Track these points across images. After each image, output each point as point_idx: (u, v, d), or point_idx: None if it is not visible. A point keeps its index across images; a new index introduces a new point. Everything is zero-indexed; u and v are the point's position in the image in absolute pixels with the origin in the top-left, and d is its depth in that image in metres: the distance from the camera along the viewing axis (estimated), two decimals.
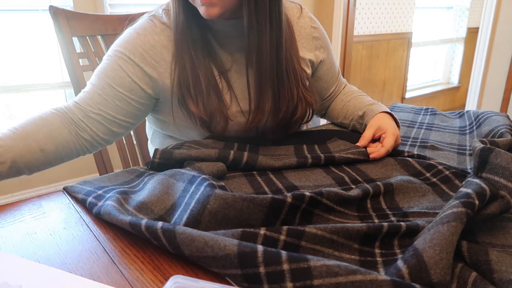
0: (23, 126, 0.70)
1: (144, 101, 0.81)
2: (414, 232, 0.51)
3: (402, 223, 0.52)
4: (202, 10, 0.72)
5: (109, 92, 0.77)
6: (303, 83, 0.86)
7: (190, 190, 0.57)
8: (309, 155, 0.75)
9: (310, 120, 0.92)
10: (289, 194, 0.54)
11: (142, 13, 0.87)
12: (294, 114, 0.85)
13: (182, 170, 0.62)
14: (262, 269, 0.42)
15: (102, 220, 0.57)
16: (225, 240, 0.44)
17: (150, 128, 1.01)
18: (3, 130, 0.69)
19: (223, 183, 0.59)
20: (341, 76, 1.05)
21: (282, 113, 0.83)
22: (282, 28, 0.77)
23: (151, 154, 1.04)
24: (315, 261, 0.41)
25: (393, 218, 0.57)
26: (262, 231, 0.48)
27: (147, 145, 1.12)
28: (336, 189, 0.59)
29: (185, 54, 0.78)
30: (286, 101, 0.83)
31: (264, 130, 0.89)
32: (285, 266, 0.41)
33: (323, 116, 1.08)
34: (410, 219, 0.56)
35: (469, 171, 0.72)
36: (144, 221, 0.49)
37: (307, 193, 0.55)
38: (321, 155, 0.75)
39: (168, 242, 0.47)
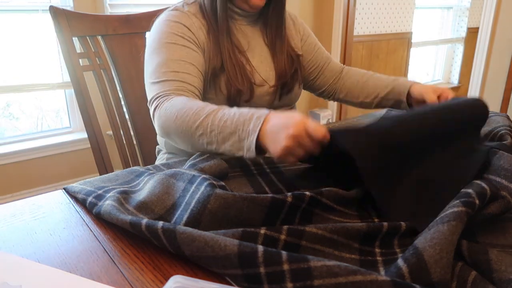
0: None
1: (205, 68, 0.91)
2: (414, 231, 0.51)
3: (402, 223, 0.52)
4: (250, 2, 0.88)
5: (192, 69, 0.84)
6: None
7: (191, 189, 0.57)
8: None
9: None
10: (289, 194, 0.54)
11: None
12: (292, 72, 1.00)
13: (182, 170, 0.62)
14: (262, 269, 0.42)
15: (102, 220, 0.57)
16: (226, 240, 0.44)
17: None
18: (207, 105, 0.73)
19: (223, 183, 0.59)
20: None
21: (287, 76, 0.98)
22: None
23: (161, 145, 1.04)
24: (315, 261, 0.41)
25: (394, 222, 0.57)
26: (263, 230, 0.48)
27: (147, 145, 1.12)
28: (336, 189, 0.58)
29: (215, 36, 0.90)
30: (289, 67, 1.00)
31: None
32: (285, 267, 0.41)
33: (334, 98, 1.14)
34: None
35: None
36: (144, 221, 0.49)
37: (307, 193, 0.55)
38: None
39: (169, 242, 0.47)
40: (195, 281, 0.39)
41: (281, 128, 0.61)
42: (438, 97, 0.91)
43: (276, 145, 0.62)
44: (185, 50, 0.86)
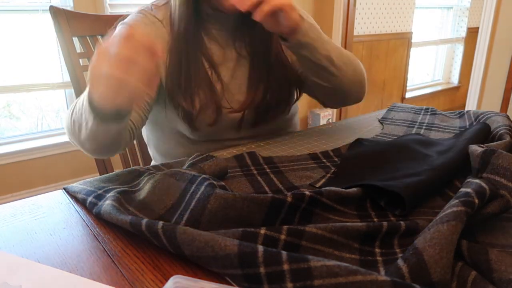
0: None
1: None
2: (413, 231, 0.52)
3: (402, 222, 0.52)
4: (226, 3, 0.75)
5: None
6: (291, 67, 0.89)
7: (191, 189, 0.57)
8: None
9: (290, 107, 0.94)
10: (289, 194, 0.54)
11: (123, 15, 0.90)
12: (280, 99, 0.88)
13: (183, 170, 0.62)
14: (262, 269, 0.42)
15: (102, 220, 0.57)
16: (226, 240, 0.44)
17: (145, 131, 1.01)
18: None
19: (223, 183, 0.59)
20: None
21: (269, 100, 0.86)
22: None
23: (153, 158, 1.04)
24: (315, 261, 0.41)
25: (392, 218, 0.57)
26: (263, 230, 0.48)
27: (147, 145, 1.12)
28: (335, 188, 0.59)
29: (181, 47, 0.80)
30: (277, 86, 0.86)
31: (246, 121, 0.89)
32: (286, 267, 0.41)
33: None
34: (410, 218, 0.56)
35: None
36: (144, 221, 0.49)
37: (307, 192, 0.55)
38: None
39: (169, 242, 0.47)
40: (195, 281, 0.39)
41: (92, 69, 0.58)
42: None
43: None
44: None
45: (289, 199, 0.54)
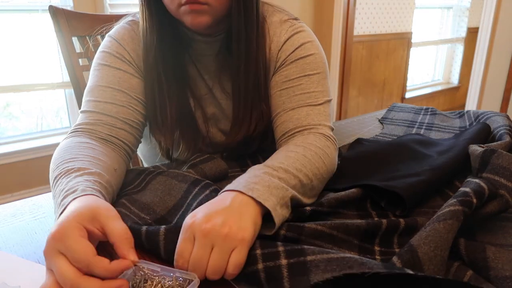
0: (98, 158, 0.60)
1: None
2: (413, 229, 0.52)
3: (401, 219, 0.52)
4: (188, 19, 0.65)
5: (122, 98, 0.70)
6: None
7: (193, 191, 0.57)
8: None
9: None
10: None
11: (123, 15, 0.81)
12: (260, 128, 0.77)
13: (185, 172, 0.63)
14: (258, 251, 0.44)
15: None
16: None
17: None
18: (88, 164, 0.58)
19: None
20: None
21: (254, 128, 0.75)
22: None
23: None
24: (309, 245, 0.44)
25: (393, 218, 0.57)
26: None
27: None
28: (335, 194, 0.59)
29: (154, 76, 0.71)
30: (259, 115, 0.75)
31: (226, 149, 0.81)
32: (281, 248, 0.44)
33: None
34: (410, 218, 0.56)
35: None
36: (144, 229, 0.49)
37: (308, 208, 0.55)
38: None
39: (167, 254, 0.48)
40: (156, 266, 0.43)
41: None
42: None
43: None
44: (118, 74, 0.71)
45: (289, 217, 0.53)
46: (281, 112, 0.73)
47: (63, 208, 0.47)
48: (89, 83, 0.72)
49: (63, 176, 0.54)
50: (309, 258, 0.41)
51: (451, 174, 0.67)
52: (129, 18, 0.77)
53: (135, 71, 0.73)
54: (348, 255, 0.41)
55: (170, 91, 0.72)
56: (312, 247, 0.43)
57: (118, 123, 0.69)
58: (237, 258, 0.43)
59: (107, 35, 0.76)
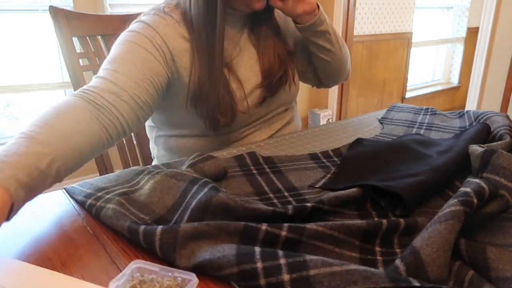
0: (56, 122, 0.60)
1: (165, 85, 0.81)
2: (413, 229, 0.52)
3: (401, 219, 0.52)
4: (257, 5, 0.81)
5: (139, 76, 0.73)
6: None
7: (192, 190, 0.57)
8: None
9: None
10: (290, 207, 0.54)
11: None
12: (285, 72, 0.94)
13: (184, 172, 0.62)
14: (259, 265, 0.43)
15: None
16: (224, 245, 0.45)
17: (152, 129, 1.01)
18: (36, 127, 0.58)
19: (223, 190, 0.60)
20: None
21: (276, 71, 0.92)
22: None
23: (154, 155, 1.04)
24: (311, 257, 0.42)
25: (393, 218, 0.57)
26: (264, 226, 0.49)
27: (147, 145, 1.12)
28: (336, 193, 0.59)
29: (206, 50, 0.80)
30: (279, 59, 0.92)
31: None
32: (282, 261, 0.42)
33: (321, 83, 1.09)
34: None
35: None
36: (142, 229, 0.49)
37: (309, 204, 0.55)
38: None
39: (165, 255, 0.48)
40: (152, 265, 0.43)
41: None
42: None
43: None
44: (143, 54, 0.76)
45: (290, 212, 0.53)
46: None
47: None
48: (111, 54, 0.76)
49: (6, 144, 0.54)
50: (312, 272, 0.40)
51: (451, 174, 0.67)
52: (151, 11, 0.84)
53: (160, 56, 0.78)
54: (352, 266, 0.40)
55: (215, 63, 0.81)
56: (314, 258, 0.42)
57: (125, 96, 0.71)
58: None
59: (135, 21, 0.82)
